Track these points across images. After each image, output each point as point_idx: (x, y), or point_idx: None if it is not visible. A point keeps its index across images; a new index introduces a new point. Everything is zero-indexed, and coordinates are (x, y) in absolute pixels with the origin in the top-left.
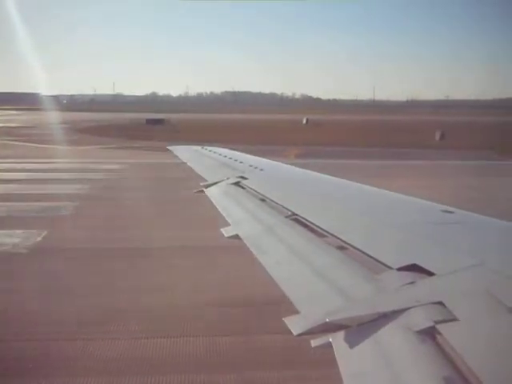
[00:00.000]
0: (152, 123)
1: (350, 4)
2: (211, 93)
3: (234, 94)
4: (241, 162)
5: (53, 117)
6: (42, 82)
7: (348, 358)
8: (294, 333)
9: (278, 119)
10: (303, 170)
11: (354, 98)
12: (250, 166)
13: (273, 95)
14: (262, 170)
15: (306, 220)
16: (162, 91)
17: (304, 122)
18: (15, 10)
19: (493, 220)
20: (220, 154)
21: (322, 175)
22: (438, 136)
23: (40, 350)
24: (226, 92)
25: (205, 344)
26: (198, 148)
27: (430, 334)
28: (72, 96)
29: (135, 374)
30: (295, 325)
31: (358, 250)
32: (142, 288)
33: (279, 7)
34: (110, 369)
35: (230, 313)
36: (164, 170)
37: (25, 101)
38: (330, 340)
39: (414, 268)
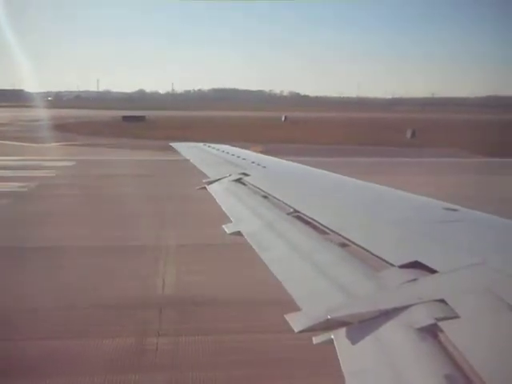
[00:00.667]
0: (130, 120)
1: (341, 3)
2: (199, 90)
3: (222, 91)
4: (243, 159)
5: (32, 114)
6: (28, 79)
7: (350, 355)
8: (296, 330)
9: (259, 116)
10: (305, 167)
11: (340, 95)
12: (253, 162)
13: (261, 92)
14: (264, 167)
15: (308, 217)
16: (150, 88)
17: (283, 119)
18: (2, 7)
19: (496, 218)
20: (222, 151)
21: (324, 172)
22: (409, 134)
23: None
24: (214, 89)
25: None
26: (200, 145)
27: (431, 331)
28: (58, 93)
29: None
30: (297, 322)
31: (360, 247)
32: None
33: (269, 6)
34: None
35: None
36: (115, 167)
37: (9, 97)
38: (332, 337)
39: (416, 265)
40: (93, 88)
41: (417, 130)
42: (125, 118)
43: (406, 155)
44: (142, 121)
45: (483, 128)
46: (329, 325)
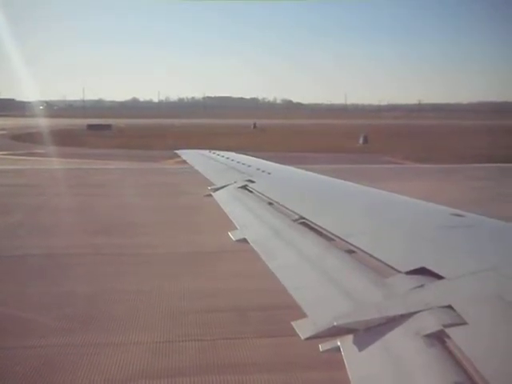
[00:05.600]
0: (95, 129)
1: (338, 9)
2: (192, 98)
3: (215, 99)
4: (248, 166)
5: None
6: (20, 88)
7: (357, 362)
8: (302, 337)
9: (232, 124)
10: (311, 174)
11: (330, 102)
12: (258, 169)
13: (254, 100)
14: (269, 173)
15: (314, 223)
16: (143, 97)
17: (252, 127)
18: None
19: (504, 223)
20: (228, 158)
21: (330, 178)
22: (361, 140)
23: None
24: (208, 97)
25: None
26: (206, 152)
27: (438, 338)
28: (50, 102)
29: None
30: (303, 329)
31: (366, 253)
32: None
33: (266, 13)
34: None
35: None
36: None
37: None
38: (339, 344)
39: (423, 272)
40: (87, 97)
41: (377, 136)
42: (90, 126)
43: (335, 161)
44: (107, 129)
45: (445, 134)
46: (335, 332)
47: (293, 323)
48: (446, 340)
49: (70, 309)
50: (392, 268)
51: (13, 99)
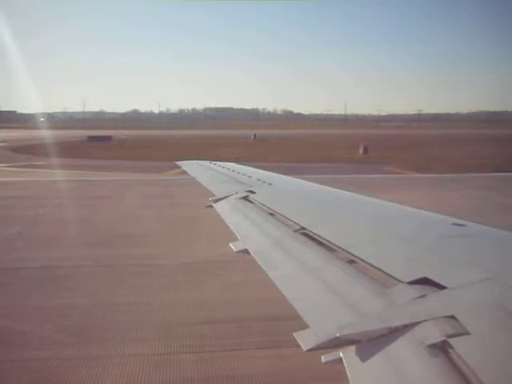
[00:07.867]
0: (95, 140)
1: (341, 19)
2: (193, 109)
3: (216, 110)
4: (249, 177)
5: (4, 135)
6: (21, 100)
7: (359, 373)
8: (304, 348)
9: (233, 135)
10: (312, 184)
11: (329, 112)
12: (259, 180)
13: (254, 111)
14: (270, 184)
15: (315, 234)
16: (144, 108)
17: (252, 137)
18: None
19: (505, 233)
20: (228, 169)
21: (331, 189)
22: (361, 150)
23: None
24: (209, 108)
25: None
26: (206, 162)
27: (442, 348)
28: (51, 114)
29: None
30: (305, 340)
31: (368, 263)
32: None
33: (267, 23)
34: None
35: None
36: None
37: None
38: (341, 355)
39: (424, 282)
40: (88, 108)
41: (377, 146)
42: (90, 138)
43: (335, 171)
44: (107, 141)
45: (444, 144)
46: (338, 343)
47: (295, 334)
48: (450, 350)
49: (73, 319)
50: (394, 278)
51: (14, 111)
